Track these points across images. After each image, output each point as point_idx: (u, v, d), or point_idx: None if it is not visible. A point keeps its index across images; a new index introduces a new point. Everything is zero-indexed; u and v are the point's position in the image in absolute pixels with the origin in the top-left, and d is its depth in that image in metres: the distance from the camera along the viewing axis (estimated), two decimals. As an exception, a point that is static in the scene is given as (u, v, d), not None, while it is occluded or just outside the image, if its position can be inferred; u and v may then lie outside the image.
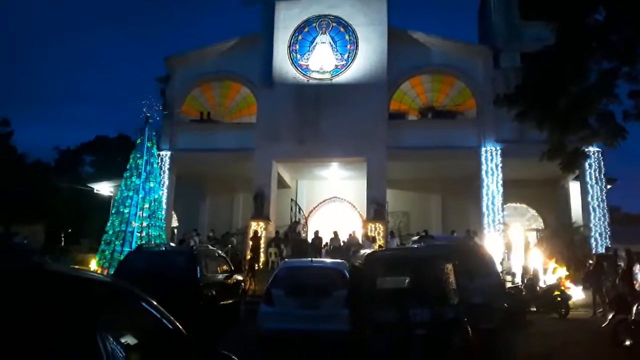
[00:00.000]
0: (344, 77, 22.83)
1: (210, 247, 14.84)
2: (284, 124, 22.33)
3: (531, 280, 15.31)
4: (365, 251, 9.72)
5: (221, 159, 23.43)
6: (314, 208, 26.37)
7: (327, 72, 23.05)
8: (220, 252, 14.15)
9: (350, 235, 20.53)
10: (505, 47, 22.86)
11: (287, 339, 8.82)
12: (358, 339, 7.14)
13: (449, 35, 24.65)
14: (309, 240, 21.35)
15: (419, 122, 23.48)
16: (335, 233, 20.87)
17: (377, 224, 21.12)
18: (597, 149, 20.16)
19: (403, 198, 25.26)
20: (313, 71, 23.15)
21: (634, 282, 12.76)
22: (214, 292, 10.82)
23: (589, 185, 21.26)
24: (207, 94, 25.20)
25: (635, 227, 35.59)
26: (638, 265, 12.79)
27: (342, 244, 20.10)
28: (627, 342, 8.61)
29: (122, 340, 2.76)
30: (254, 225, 21.69)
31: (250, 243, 20.91)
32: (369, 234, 20.67)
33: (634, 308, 8.38)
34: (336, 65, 23.07)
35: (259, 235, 21.21)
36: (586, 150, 13.81)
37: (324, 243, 20.61)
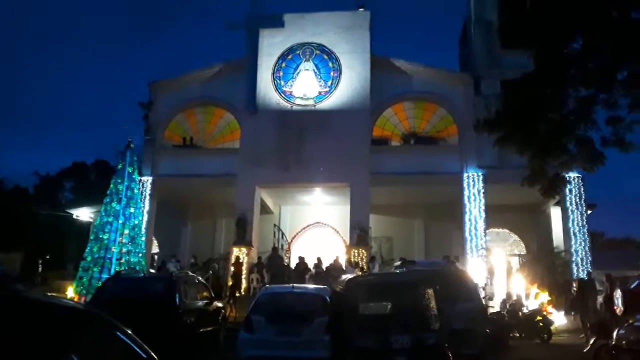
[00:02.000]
0: (328, 103, 23.00)
1: (190, 273, 14.61)
2: (267, 150, 22.32)
3: (513, 306, 15.31)
4: (346, 276, 9.61)
5: (204, 184, 23.28)
6: (297, 233, 26.23)
7: (311, 98, 23.20)
8: (200, 278, 13.95)
9: (333, 260, 20.40)
10: (486, 74, 23.24)
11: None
12: (339, 366, 7.01)
13: (430, 63, 25.06)
14: (292, 266, 21.17)
15: (401, 148, 23.65)
16: (319, 259, 20.73)
17: (360, 249, 21.04)
18: (577, 175, 20.40)
19: (386, 223, 25.25)
20: (297, 97, 23.30)
21: (615, 307, 12.80)
22: (192, 319, 10.63)
23: (569, 211, 21.46)
24: (190, 119, 25.16)
25: (616, 252, 35.98)
26: (618, 290, 12.84)
27: (324, 269, 19.94)
28: (609, 367, 8.59)
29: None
30: (236, 251, 21.47)
31: (232, 269, 20.66)
32: (352, 259, 20.55)
33: (615, 333, 8.36)
34: (319, 92, 23.25)
35: (240, 261, 20.98)
36: (566, 175, 13.95)
37: (309, 268, 20.45)
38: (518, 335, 14.37)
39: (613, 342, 8.35)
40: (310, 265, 20.53)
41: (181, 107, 24.61)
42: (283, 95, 23.32)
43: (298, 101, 23.22)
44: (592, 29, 10.93)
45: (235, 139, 23.91)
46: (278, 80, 23.54)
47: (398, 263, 13.65)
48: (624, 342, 7.99)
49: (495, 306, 15.23)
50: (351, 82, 23.06)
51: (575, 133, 12.10)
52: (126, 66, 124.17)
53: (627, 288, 12.46)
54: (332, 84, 23.23)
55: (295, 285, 10.80)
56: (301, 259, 20.80)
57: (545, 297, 16.15)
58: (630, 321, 8.73)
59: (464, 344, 8.01)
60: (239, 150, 23.20)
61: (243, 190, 22.23)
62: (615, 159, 12.68)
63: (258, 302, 9.59)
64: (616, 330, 8.49)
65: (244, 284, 20.67)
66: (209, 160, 23.42)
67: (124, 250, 17.17)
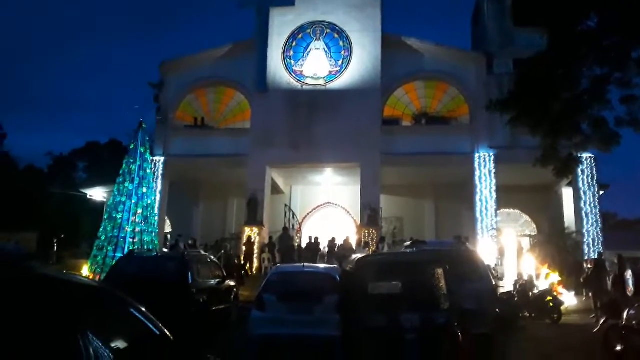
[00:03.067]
0: (338, 83, 22.88)
1: (203, 252, 14.76)
2: (278, 130, 22.32)
3: (524, 286, 15.32)
4: (356, 256, 9.67)
5: (215, 164, 23.38)
6: (308, 214, 26.34)
7: (321, 78, 23.10)
8: (212, 257, 14.10)
9: (344, 241, 20.50)
10: (499, 53, 22.97)
11: (279, 345, 8.77)
12: (349, 345, 7.09)
13: (442, 41, 24.71)
14: (303, 245, 21.31)
15: (412, 128, 23.53)
16: (332, 239, 20.85)
17: (371, 229, 21.10)
18: (590, 155, 20.23)
19: (397, 204, 25.26)
20: (307, 77, 23.20)
21: (626, 287, 12.78)
22: (205, 298, 10.77)
23: (581, 191, 21.33)
24: (201, 99, 25.18)
25: (628, 233, 35.79)
26: (629, 271, 12.81)
27: (336, 249, 20.06)
28: (618, 348, 8.60)
29: (107, 345, 2.75)
30: (247, 231, 21.64)
31: (244, 249, 20.83)
32: (363, 239, 20.64)
33: (625, 313, 8.37)
34: (330, 72, 23.12)
35: (252, 240, 21.15)
36: (579, 156, 13.85)
37: (320, 248, 20.61)
38: (528, 315, 14.39)
39: (623, 323, 8.36)
40: (323, 245, 20.66)
41: (192, 88, 24.62)
42: (293, 75, 23.23)
43: (309, 81, 23.13)
44: (607, 7, 10.74)
45: (246, 119, 23.92)
46: (288, 60, 23.43)
47: (408, 243, 13.69)
48: (634, 323, 8.00)
49: (505, 286, 15.25)
50: (362, 62, 22.89)
51: (588, 113, 12.00)
52: (139, 49, 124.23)
53: (638, 269, 12.44)
54: (342, 64, 23.08)
55: (305, 264, 10.89)
56: (312, 238, 20.92)
57: (555, 277, 16.12)
58: (641, 302, 8.74)
59: (473, 323, 8.05)
60: (250, 130, 23.22)
61: (254, 170, 22.31)
62: (629, 139, 12.56)
63: (269, 281, 9.69)
64: (627, 311, 8.49)
65: (255, 264, 20.85)
66: (220, 140, 23.49)
67: (137, 229, 17.33)
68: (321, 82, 23.05)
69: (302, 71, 23.29)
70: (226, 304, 12.29)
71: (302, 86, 23.00)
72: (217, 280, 12.21)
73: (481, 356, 8.26)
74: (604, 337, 9.40)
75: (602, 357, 9.21)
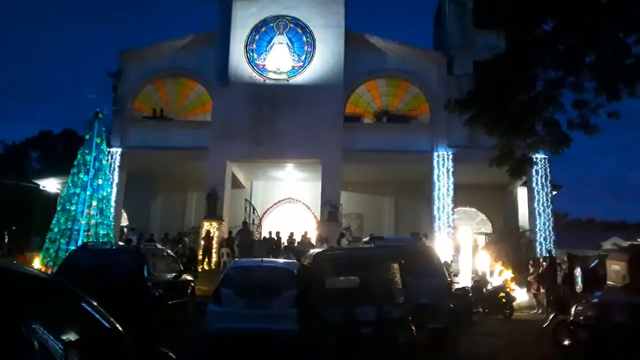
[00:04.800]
0: (301, 78, 22.85)
1: (160, 246, 14.54)
2: (239, 124, 22.14)
3: (478, 282, 15.71)
4: (314, 251, 9.72)
5: (174, 157, 23.02)
6: (269, 209, 26.27)
7: (284, 72, 23.02)
8: (169, 251, 13.91)
9: (302, 236, 20.54)
10: (459, 54, 23.36)
11: (235, 339, 8.74)
12: (306, 338, 7.13)
13: (405, 40, 25.03)
14: (262, 240, 21.24)
15: (374, 125, 23.73)
16: (291, 234, 20.85)
17: (331, 225, 21.19)
18: (544, 156, 20.84)
19: (357, 200, 25.46)
20: (270, 71, 23.08)
21: (575, 284, 13.22)
22: (161, 292, 10.61)
23: (535, 191, 21.98)
24: (160, 90, 24.72)
25: (579, 233, 37.15)
26: (578, 269, 13.25)
27: (296, 244, 20.09)
28: (566, 342, 8.93)
29: (56, 337, 2.70)
30: (206, 225, 21.41)
31: (203, 243, 20.62)
32: (322, 235, 20.71)
33: (573, 309, 8.68)
34: (293, 67, 23.07)
35: (211, 235, 20.96)
36: (533, 157, 14.23)
37: (280, 243, 20.59)
38: (482, 310, 14.76)
39: (571, 318, 8.66)
40: (283, 241, 20.66)
41: (151, 78, 24.14)
42: (256, 69, 23.07)
43: (271, 75, 23.01)
44: (562, 12, 11.05)
45: (207, 112, 23.64)
46: (251, 53, 23.24)
47: (366, 239, 13.83)
48: (581, 318, 8.29)
49: (460, 282, 15.60)
50: (325, 57, 22.92)
51: (542, 115, 12.33)
52: (98, 37, 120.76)
53: (586, 267, 12.88)
54: (305, 59, 23.06)
55: (264, 259, 10.87)
56: (272, 233, 20.87)
57: (509, 274, 16.61)
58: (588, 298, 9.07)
59: (428, 318, 8.22)
60: (211, 123, 22.96)
61: (214, 164, 22.09)
62: (582, 142, 12.98)
63: (227, 276, 9.64)
64: (574, 307, 8.80)
65: (214, 258, 20.68)
66: (179, 132, 23.14)
67: (92, 222, 16.96)
68: (284, 76, 22.97)
69: (264, 65, 23.15)
70: (183, 299, 12.14)
71: (264, 80, 22.86)
72: (174, 274, 12.04)
73: (435, 350, 8.45)
74: (553, 331, 9.75)
75: (551, 350, 9.55)
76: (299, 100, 22.09)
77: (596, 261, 12.92)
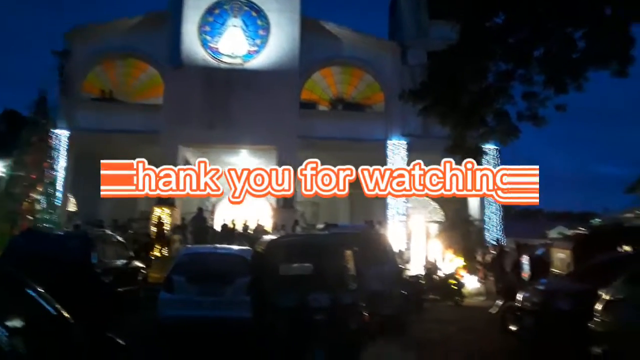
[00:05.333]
0: (256, 62, 22.56)
1: (109, 232, 14.17)
2: (192, 107, 21.71)
3: (429, 270, 16.05)
4: (268, 237, 9.69)
5: (124, 140, 22.31)
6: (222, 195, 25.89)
7: (239, 56, 22.66)
8: (118, 237, 13.57)
9: (257, 223, 20.43)
10: (413, 44, 23.59)
11: (188, 326, 8.63)
12: (259, 326, 7.12)
13: (360, 28, 25.03)
14: (217, 227, 21.01)
15: (329, 113, 23.76)
16: (245, 221, 20.69)
17: (287, 212, 21.14)
18: (495, 147, 21.37)
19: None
20: (224, 55, 22.66)
21: (522, 272, 13.69)
22: (111, 278, 10.37)
23: (485, 181, 22.50)
24: (110, 72, 23.90)
25: (527, 222, 38.51)
26: (525, 257, 13.73)
27: (250, 231, 19.97)
28: (513, 328, 9.25)
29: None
30: (158, 212, 20.97)
31: (154, 230, 20.20)
32: (277, 222, 20.68)
33: (520, 296, 8.96)
34: (248, 51, 22.73)
35: (162, 221, 20.55)
36: (484, 147, 14.58)
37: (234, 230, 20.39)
38: (433, 297, 15.10)
39: (518, 305, 8.95)
40: (239, 228, 20.48)
41: (100, 59, 23.25)
42: (209, 52, 22.60)
43: (225, 59, 22.60)
44: (513, 6, 11.32)
45: (159, 95, 23.01)
46: (204, 35, 22.72)
47: (321, 226, 13.88)
48: (527, 304, 8.58)
49: (412, 270, 15.90)
50: (280, 42, 22.69)
51: (493, 106, 12.64)
52: (43, 15, 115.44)
53: (533, 255, 13.36)
54: (261, 43, 22.76)
55: (217, 245, 10.76)
56: (226, 220, 20.64)
57: (459, 262, 17.04)
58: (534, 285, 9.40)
59: (380, 304, 8.34)
60: (163, 106, 22.41)
61: (166, 148, 21.57)
62: (532, 134, 13.40)
63: (179, 262, 9.50)
64: (521, 294, 9.11)
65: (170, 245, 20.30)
66: (130, 115, 22.51)
67: (37, 206, 16.39)
68: (238, 60, 22.60)
69: (218, 48, 22.69)
70: (133, 286, 11.92)
71: (218, 63, 22.42)
72: (124, 261, 11.79)
73: (387, 335, 8.59)
74: (501, 317, 10.07)
75: (499, 336, 9.88)
76: (254, 85, 21.83)
77: (542, 249, 13.43)
